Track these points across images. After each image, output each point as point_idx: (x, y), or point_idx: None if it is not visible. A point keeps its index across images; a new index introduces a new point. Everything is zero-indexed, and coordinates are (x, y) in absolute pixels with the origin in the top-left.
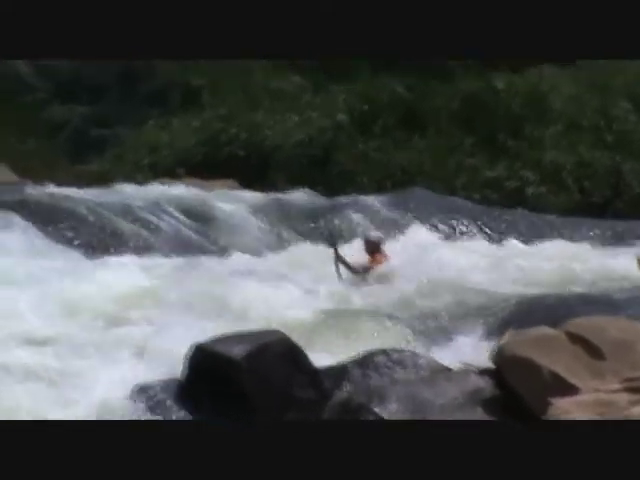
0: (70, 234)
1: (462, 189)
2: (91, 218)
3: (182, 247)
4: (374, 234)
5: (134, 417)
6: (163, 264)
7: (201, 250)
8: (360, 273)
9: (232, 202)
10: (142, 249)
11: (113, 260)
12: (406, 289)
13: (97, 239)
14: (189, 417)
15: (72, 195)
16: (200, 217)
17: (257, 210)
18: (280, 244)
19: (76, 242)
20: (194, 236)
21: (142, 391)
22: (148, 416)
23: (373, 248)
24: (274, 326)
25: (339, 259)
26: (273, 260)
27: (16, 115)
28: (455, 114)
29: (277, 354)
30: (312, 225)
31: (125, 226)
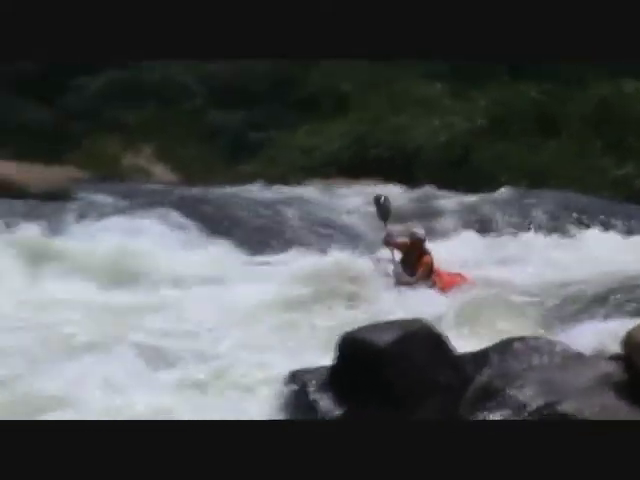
0: (226, 231)
1: (592, 188)
2: (246, 216)
3: (340, 244)
4: (419, 231)
5: (283, 402)
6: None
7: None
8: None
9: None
10: (295, 246)
11: (267, 257)
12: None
13: (252, 236)
14: (337, 404)
15: (229, 194)
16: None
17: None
18: None
19: (231, 238)
20: (355, 233)
21: (294, 377)
22: (298, 402)
23: (418, 245)
24: None
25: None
26: None
27: (177, 120)
28: (586, 118)
29: (421, 341)
30: None
31: (279, 224)
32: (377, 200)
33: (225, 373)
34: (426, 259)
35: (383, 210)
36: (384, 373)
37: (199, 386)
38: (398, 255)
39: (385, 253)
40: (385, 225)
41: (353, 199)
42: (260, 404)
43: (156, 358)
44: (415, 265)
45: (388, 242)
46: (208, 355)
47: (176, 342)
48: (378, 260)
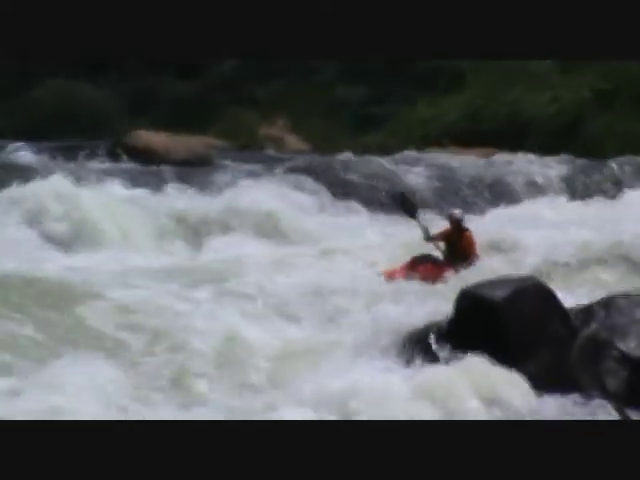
0: (352, 195)
1: None
2: (369, 182)
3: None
4: (456, 211)
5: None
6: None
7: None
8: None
9: None
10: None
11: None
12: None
13: (374, 199)
14: (455, 353)
15: (353, 162)
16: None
17: None
18: None
19: (357, 202)
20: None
21: (415, 332)
22: (416, 355)
23: (457, 224)
24: None
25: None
26: None
27: (307, 94)
28: None
29: (533, 296)
30: None
31: (400, 188)
32: (397, 198)
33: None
34: (467, 235)
35: (407, 206)
36: (499, 325)
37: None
38: (442, 244)
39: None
40: (417, 220)
41: (467, 167)
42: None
43: None
44: (459, 244)
45: (429, 238)
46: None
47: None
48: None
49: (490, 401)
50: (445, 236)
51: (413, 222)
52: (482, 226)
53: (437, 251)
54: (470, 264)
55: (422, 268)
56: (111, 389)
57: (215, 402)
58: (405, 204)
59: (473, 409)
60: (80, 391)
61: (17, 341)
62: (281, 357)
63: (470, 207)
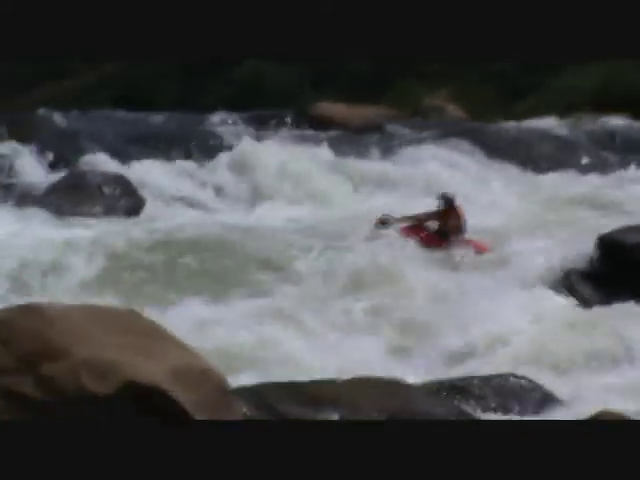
0: (506, 156)
1: None
2: (524, 144)
3: None
4: (449, 192)
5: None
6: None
7: None
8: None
9: None
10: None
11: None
12: None
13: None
14: (595, 292)
15: (507, 128)
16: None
17: None
18: None
19: (509, 162)
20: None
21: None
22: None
23: (449, 204)
24: None
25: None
26: None
27: (467, 67)
28: None
29: None
30: None
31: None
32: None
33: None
34: (458, 211)
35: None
36: (635, 267)
37: None
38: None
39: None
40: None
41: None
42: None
43: None
44: (451, 222)
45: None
46: None
47: None
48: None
49: None
50: (439, 216)
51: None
52: None
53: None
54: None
55: (425, 235)
56: None
57: None
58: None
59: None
60: None
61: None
62: None
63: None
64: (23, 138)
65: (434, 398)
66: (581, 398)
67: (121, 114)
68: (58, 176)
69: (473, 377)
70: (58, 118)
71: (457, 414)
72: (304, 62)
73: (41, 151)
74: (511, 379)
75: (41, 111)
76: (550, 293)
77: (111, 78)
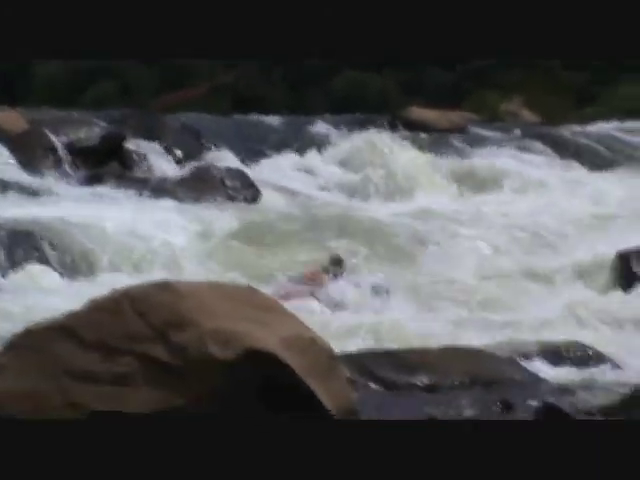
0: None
1: None
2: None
3: None
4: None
5: None
6: None
7: None
8: None
9: None
10: None
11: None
12: None
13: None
14: None
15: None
16: None
17: None
18: None
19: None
20: None
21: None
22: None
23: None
24: None
25: None
26: None
27: (539, 76)
28: None
29: None
30: None
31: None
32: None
33: None
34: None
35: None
36: None
37: None
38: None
39: None
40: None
41: None
42: None
43: None
44: None
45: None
46: None
47: None
48: None
49: None
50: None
51: None
52: None
53: None
54: None
55: None
56: None
57: None
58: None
59: None
60: None
61: None
62: None
63: None
64: (152, 136)
65: (512, 365)
66: None
67: (238, 117)
68: (185, 171)
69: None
70: (182, 119)
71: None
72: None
73: (168, 149)
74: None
75: (166, 114)
76: None
77: (226, 86)
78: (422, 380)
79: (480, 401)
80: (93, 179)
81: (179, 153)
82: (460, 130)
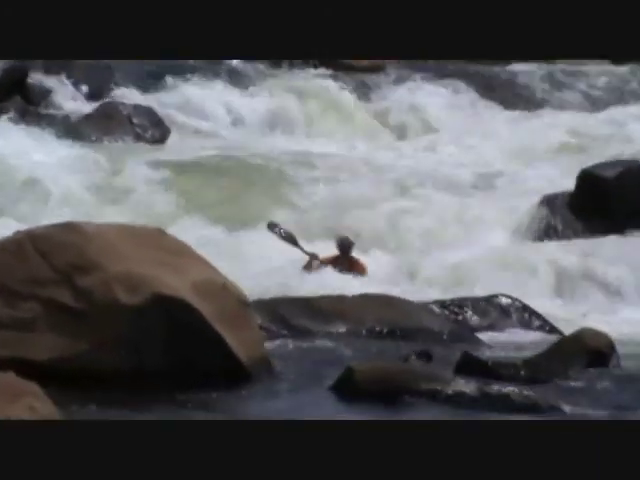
0: None
1: None
2: None
3: None
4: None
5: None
6: None
7: None
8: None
9: None
10: None
11: None
12: None
13: None
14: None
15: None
16: None
17: None
18: None
19: None
20: None
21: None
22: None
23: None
24: None
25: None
26: None
27: None
28: None
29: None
30: None
31: None
32: (272, 228)
33: None
34: (355, 263)
35: (284, 237)
36: (609, 199)
37: None
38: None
39: None
40: (299, 247)
41: None
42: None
43: None
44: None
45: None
46: None
47: None
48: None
49: None
50: (332, 262)
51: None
52: None
53: None
54: None
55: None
56: None
57: None
58: (282, 235)
59: None
60: None
61: None
62: None
63: None
64: (59, 71)
65: (429, 313)
66: None
67: None
68: (91, 107)
69: (466, 298)
70: None
71: (450, 328)
72: None
73: (77, 83)
74: (502, 299)
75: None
76: None
77: None
78: (337, 328)
79: (396, 350)
80: None
81: (85, 88)
82: (379, 69)
